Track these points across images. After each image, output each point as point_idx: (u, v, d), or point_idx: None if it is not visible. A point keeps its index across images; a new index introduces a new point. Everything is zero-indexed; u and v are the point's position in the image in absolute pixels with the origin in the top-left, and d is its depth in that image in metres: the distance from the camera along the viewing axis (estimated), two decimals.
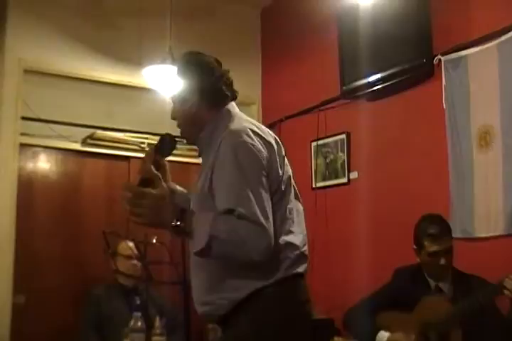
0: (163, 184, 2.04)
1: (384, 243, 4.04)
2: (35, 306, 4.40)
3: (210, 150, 2.17)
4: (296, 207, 2.27)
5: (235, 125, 2.17)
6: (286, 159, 2.26)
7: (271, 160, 2.13)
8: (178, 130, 2.35)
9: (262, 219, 1.98)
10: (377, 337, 3.05)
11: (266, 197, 2.05)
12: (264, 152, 2.10)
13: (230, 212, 1.98)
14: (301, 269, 2.14)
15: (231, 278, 2.08)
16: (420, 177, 3.93)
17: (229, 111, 2.28)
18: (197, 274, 2.20)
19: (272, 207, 2.07)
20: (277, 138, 2.26)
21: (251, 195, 2.00)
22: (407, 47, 3.93)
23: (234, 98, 2.35)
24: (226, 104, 2.30)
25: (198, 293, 2.20)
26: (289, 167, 2.29)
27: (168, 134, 2.30)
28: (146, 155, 2.26)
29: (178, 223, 1.99)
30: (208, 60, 2.32)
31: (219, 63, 2.35)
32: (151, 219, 2.00)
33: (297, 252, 2.13)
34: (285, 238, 2.10)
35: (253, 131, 2.12)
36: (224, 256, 2.01)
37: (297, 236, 2.16)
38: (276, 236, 2.05)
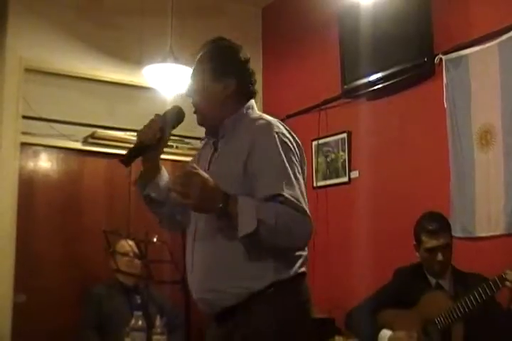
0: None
1: (385, 242, 4.04)
2: (35, 305, 4.40)
3: (238, 137, 2.18)
4: None
5: (268, 118, 2.22)
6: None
7: (301, 155, 2.21)
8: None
9: (304, 205, 2.03)
10: (379, 336, 3.06)
11: (304, 185, 2.11)
12: (296, 146, 2.19)
13: (273, 197, 2.00)
14: (305, 269, 2.19)
15: (249, 266, 2.06)
16: (421, 176, 3.93)
17: (253, 106, 2.32)
18: (208, 260, 2.14)
19: None
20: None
21: (294, 182, 2.04)
22: (408, 46, 3.93)
23: (254, 96, 2.36)
24: (250, 99, 2.31)
25: (206, 279, 2.14)
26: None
27: (178, 106, 2.31)
28: (152, 121, 2.26)
29: (222, 206, 1.98)
30: (246, 54, 2.35)
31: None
32: (200, 201, 1.96)
33: (307, 253, 2.18)
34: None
35: (285, 127, 2.22)
36: (271, 241, 2.01)
37: None
38: None
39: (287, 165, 2.07)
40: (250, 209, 1.97)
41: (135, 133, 5.10)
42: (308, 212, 2.04)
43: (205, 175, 1.99)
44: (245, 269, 2.07)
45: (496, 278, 2.71)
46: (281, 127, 2.18)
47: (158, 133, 2.23)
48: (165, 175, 2.39)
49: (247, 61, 2.32)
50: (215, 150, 2.27)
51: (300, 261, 2.14)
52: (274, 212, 1.97)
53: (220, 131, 2.25)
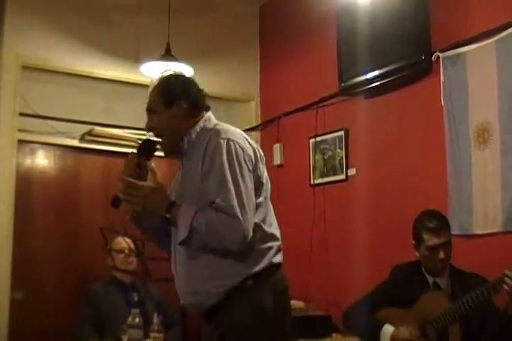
0: (153, 180, 2.30)
1: (382, 239, 4.04)
2: (33, 302, 4.41)
3: (195, 150, 2.38)
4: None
5: (221, 126, 2.42)
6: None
7: (255, 159, 2.35)
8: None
9: (238, 211, 2.17)
10: (381, 331, 3.06)
11: (247, 189, 2.25)
12: (249, 150, 2.33)
13: (211, 203, 2.19)
14: (281, 259, 2.37)
15: (223, 266, 2.25)
16: (418, 173, 3.93)
17: (210, 118, 2.50)
18: (186, 265, 2.34)
19: (257, 200, 2.30)
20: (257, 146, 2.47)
21: (231, 187, 2.20)
22: (406, 44, 3.92)
23: (208, 109, 2.54)
24: (203, 112, 2.50)
25: (188, 283, 2.34)
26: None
27: (148, 139, 2.46)
28: (128, 160, 2.42)
29: (167, 215, 2.24)
30: (187, 78, 2.55)
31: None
32: (142, 208, 2.32)
33: (278, 243, 2.37)
34: (269, 229, 2.34)
35: (239, 133, 2.38)
36: (203, 246, 2.22)
37: (277, 230, 2.41)
38: (262, 227, 2.30)
39: (227, 169, 2.23)
40: (187, 217, 2.19)
41: (132, 131, 5.16)
42: (240, 217, 2.16)
43: (149, 185, 2.29)
44: (219, 269, 2.25)
45: (495, 281, 2.71)
46: (231, 133, 2.33)
47: (136, 169, 2.40)
48: None
49: (189, 81, 2.52)
50: (183, 167, 2.49)
51: (271, 253, 2.31)
52: (208, 218, 2.17)
53: (182, 149, 2.45)
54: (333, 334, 3.97)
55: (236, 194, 2.19)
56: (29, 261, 4.47)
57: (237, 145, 2.28)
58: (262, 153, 2.44)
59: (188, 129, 2.43)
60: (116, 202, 2.35)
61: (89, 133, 4.84)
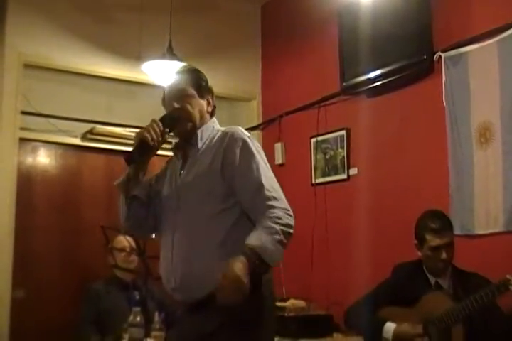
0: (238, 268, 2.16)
1: (384, 239, 4.04)
2: (34, 301, 4.41)
3: (206, 145, 2.47)
4: None
5: (235, 127, 2.50)
6: None
7: None
8: None
9: (282, 195, 2.36)
10: (384, 328, 3.06)
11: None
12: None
13: (262, 191, 2.29)
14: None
15: (227, 259, 2.21)
16: (420, 173, 3.93)
17: (216, 122, 2.60)
18: (185, 249, 2.36)
19: None
20: None
21: (276, 184, 2.37)
22: (408, 43, 3.92)
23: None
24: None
25: (186, 265, 2.34)
26: None
27: (174, 113, 2.47)
28: (154, 122, 2.41)
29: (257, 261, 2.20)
30: None
31: None
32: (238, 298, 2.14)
33: None
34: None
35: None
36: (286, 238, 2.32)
37: None
38: None
39: (263, 163, 2.38)
40: (269, 243, 2.22)
41: (134, 129, 5.16)
42: (284, 197, 2.36)
43: (236, 277, 2.13)
44: (223, 259, 2.22)
45: (500, 282, 2.71)
46: (246, 132, 2.47)
47: (160, 135, 2.40)
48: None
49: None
50: (185, 161, 2.51)
51: None
52: (272, 221, 2.26)
53: (192, 140, 2.50)
54: (335, 334, 3.97)
55: (278, 186, 2.37)
56: (30, 259, 4.47)
57: (257, 144, 2.45)
58: None
59: (204, 122, 2.52)
60: (133, 159, 2.38)
61: (91, 131, 4.84)
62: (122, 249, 4.19)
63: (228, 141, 2.40)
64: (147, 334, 3.59)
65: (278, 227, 2.24)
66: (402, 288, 3.12)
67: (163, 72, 4.49)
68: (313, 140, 4.75)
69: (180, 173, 2.49)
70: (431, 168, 3.86)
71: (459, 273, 3.10)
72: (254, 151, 2.38)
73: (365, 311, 3.16)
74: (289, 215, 2.31)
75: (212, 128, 2.53)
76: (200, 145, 2.48)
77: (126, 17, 4.92)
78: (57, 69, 4.70)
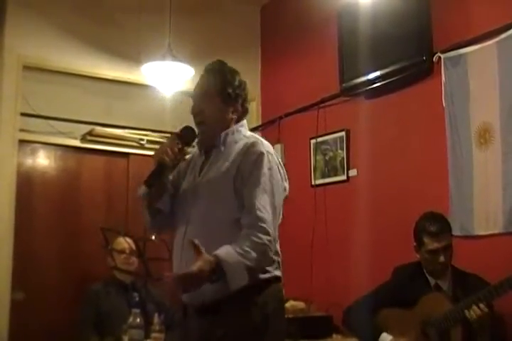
0: (205, 257, 2.15)
1: (383, 240, 4.04)
2: (33, 302, 4.40)
3: (226, 149, 2.42)
4: None
5: (259, 137, 2.48)
6: None
7: (284, 175, 2.45)
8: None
9: (271, 229, 2.26)
10: (379, 340, 3.07)
11: (280, 206, 2.38)
12: (281, 167, 2.44)
13: (252, 216, 2.24)
14: (281, 274, 2.41)
15: None
16: (420, 174, 3.93)
17: (245, 125, 2.55)
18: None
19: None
20: None
21: (270, 204, 2.29)
22: (407, 44, 3.92)
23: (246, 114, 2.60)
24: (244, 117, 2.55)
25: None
26: None
27: (190, 126, 2.45)
28: (171, 142, 2.40)
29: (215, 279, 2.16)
30: (239, 73, 2.54)
31: None
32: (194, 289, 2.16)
33: (280, 259, 2.41)
34: (277, 245, 2.38)
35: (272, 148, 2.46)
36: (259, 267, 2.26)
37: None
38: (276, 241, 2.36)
39: (267, 182, 2.31)
40: (236, 263, 2.16)
41: (133, 131, 5.16)
42: (272, 232, 2.27)
43: (198, 270, 2.11)
44: None
45: (498, 284, 2.71)
46: (270, 147, 2.42)
47: (178, 154, 2.39)
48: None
49: (245, 84, 2.53)
50: (207, 159, 2.48)
51: (275, 266, 2.36)
52: (257, 250, 2.20)
53: (216, 141, 2.45)
54: (334, 335, 3.97)
55: (272, 210, 2.29)
56: (30, 261, 4.47)
57: (276, 161, 2.39)
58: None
59: (227, 128, 2.46)
60: (153, 182, 2.36)
61: (90, 133, 4.84)
62: (122, 251, 4.19)
63: (246, 152, 2.36)
64: (147, 336, 3.59)
65: (254, 255, 2.18)
66: (402, 290, 3.12)
67: (163, 74, 4.49)
68: (313, 141, 4.75)
69: (200, 172, 2.47)
70: (430, 169, 3.86)
71: (458, 274, 3.10)
72: (265, 168, 2.32)
73: (364, 312, 3.17)
74: (270, 242, 2.25)
75: (238, 132, 2.48)
76: (222, 148, 2.44)
77: (125, 19, 4.92)
78: (56, 70, 4.70)
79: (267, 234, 2.23)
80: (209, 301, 2.26)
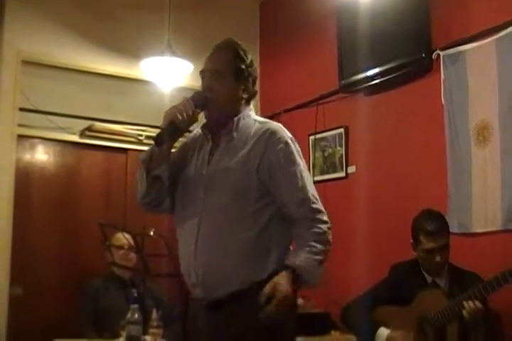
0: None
1: (382, 237, 4.05)
2: (32, 298, 4.40)
3: (239, 136, 2.31)
4: None
5: (272, 122, 2.38)
6: None
7: None
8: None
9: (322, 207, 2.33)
10: (377, 334, 3.07)
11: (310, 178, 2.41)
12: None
13: (308, 203, 2.27)
14: None
15: (256, 256, 2.21)
16: (418, 171, 3.93)
17: (252, 108, 2.45)
18: (213, 244, 2.23)
19: None
20: None
21: (317, 196, 2.35)
22: (406, 41, 3.93)
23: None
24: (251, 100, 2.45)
25: (212, 262, 2.23)
26: None
27: (205, 92, 2.34)
28: (185, 103, 2.30)
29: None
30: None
31: None
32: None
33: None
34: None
35: None
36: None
37: None
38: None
39: (305, 171, 2.31)
40: (310, 265, 2.21)
41: (132, 127, 5.15)
42: (325, 216, 2.33)
43: (283, 290, 2.13)
44: (252, 258, 2.20)
45: (492, 279, 2.72)
46: (287, 131, 2.35)
47: (191, 116, 2.28)
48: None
49: (254, 64, 2.46)
50: (216, 145, 2.35)
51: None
52: (321, 241, 2.23)
53: (227, 127, 2.33)
54: (332, 332, 3.97)
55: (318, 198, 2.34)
56: (28, 256, 4.46)
57: (298, 147, 2.35)
58: None
59: (237, 112, 2.35)
60: (162, 140, 2.27)
61: (89, 128, 4.84)
62: (120, 247, 4.18)
63: (269, 140, 2.26)
64: (145, 332, 3.59)
65: (320, 247, 2.21)
66: (399, 287, 3.13)
67: (162, 69, 4.49)
68: (312, 138, 4.76)
69: (209, 160, 2.33)
70: (429, 166, 3.87)
71: (455, 271, 3.10)
72: (297, 157, 2.29)
73: (362, 310, 3.17)
74: (329, 229, 2.29)
75: (249, 117, 2.38)
76: (235, 135, 2.32)
77: (124, 14, 4.91)
78: (55, 66, 4.69)
79: (326, 222, 2.27)
80: (222, 296, 2.20)
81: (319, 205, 2.30)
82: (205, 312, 2.28)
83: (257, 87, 2.51)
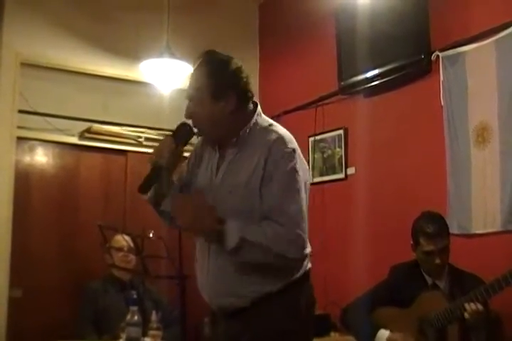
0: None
1: (381, 238, 4.05)
2: (31, 300, 4.40)
3: (246, 148, 2.21)
4: None
5: (280, 129, 2.27)
6: None
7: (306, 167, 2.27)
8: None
9: (301, 228, 2.10)
10: (377, 336, 3.07)
11: (306, 205, 2.18)
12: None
13: (274, 215, 2.09)
14: (310, 264, 2.29)
15: (265, 272, 2.14)
16: (418, 173, 3.93)
17: (261, 112, 2.32)
18: (223, 267, 2.19)
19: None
20: None
21: (297, 202, 2.11)
22: (405, 43, 3.93)
23: (255, 101, 2.34)
24: (250, 103, 2.30)
25: (224, 286, 2.20)
26: None
27: (186, 123, 2.26)
28: (163, 142, 2.24)
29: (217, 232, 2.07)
30: (237, 63, 2.29)
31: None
32: (191, 225, 2.08)
33: (310, 249, 2.23)
34: (306, 236, 2.19)
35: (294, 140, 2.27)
36: (256, 260, 2.11)
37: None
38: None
39: (292, 182, 2.13)
40: (236, 228, 2.06)
41: (131, 128, 5.15)
42: (303, 232, 2.11)
43: (202, 200, 2.09)
44: (262, 275, 2.15)
45: (494, 282, 2.71)
46: (294, 142, 2.23)
47: (174, 155, 2.21)
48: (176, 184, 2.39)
49: (240, 69, 2.27)
50: (222, 156, 2.28)
51: (307, 261, 2.24)
52: (263, 232, 2.06)
53: (231, 141, 2.24)
54: (332, 333, 3.98)
55: (301, 210, 2.13)
56: (28, 258, 4.46)
57: (301, 158, 2.21)
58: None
59: (238, 124, 2.22)
60: (147, 187, 2.19)
61: (88, 130, 4.83)
62: (120, 249, 4.18)
63: (272, 153, 2.14)
64: (144, 334, 3.59)
65: (272, 241, 2.06)
66: (399, 289, 3.13)
67: (161, 71, 4.49)
68: (311, 139, 4.76)
69: (216, 173, 2.26)
70: (429, 167, 3.87)
71: (456, 273, 3.10)
72: (292, 168, 2.13)
73: (362, 312, 3.17)
74: (303, 251, 2.12)
75: (255, 125, 2.25)
76: (240, 147, 2.22)
77: (123, 15, 4.91)
78: (54, 68, 4.69)
79: (303, 247, 2.12)
80: (235, 309, 2.19)
81: (301, 225, 2.12)
82: (221, 322, 2.29)
83: (256, 86, 2.41)
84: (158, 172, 2.20)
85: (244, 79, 2.26)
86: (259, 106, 2.32)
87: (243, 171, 2.17)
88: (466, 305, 2.75)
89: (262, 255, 2.08)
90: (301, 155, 2.23)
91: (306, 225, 2.14)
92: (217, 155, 2.29)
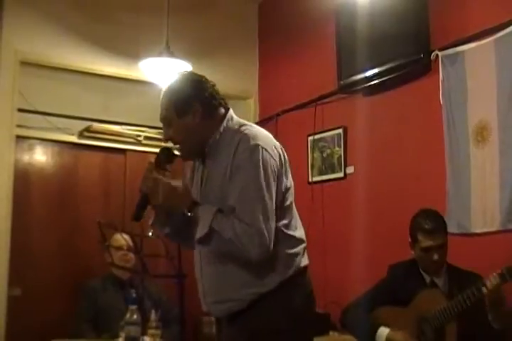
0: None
1: (380, 238, 4.05)
2: (30, 298, 4.41)
3: (220, 152, 2.29)
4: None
5: (249, 129, 2.31)
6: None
7: (281, 165, 2.31)
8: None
9: (263, 224, 2.13)
10: (377, 333, 3.06)
11: (271, 200, 2.21)
12: (277, 156, 2.28)
13: (233, 210, 2.16)
14: (307, 262, 2.36)
15: (255, 274, 2.21)
16: (417, 172, 3.93)
17: (232, 116, 2.39)
18: (215, 272, 2.28)
19: (284, 205, 2.31)
20: (282, 147, 2.40)
21: (258, 198, 2.16)
22: (405, 42, 3.92)
23: (226, 107, 2.41)
24: (220, 110, 2.37)
25: (218, 291, 2.28)
26: None
27: (166, 148, 2.38)
28: (146, 170, 2.33)
29: (189, 213, 2.18)
30: (196, 75, 2.41)
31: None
32: (163, 204, 2.24)
33: (304, 245, 2.34)
34: (294, 233, 2.31)
35: (267, 137, 2.33)
36: (220, 250, 2.21)
37: (302, 231, 2.39)
38: (288, 232, 2.27)
39: (254, 177, 2.17)
40: (208, 217, 2.15)
41: (131, 127, 5.16)
42: (264, 228, 2.13)
43: (174, 183, 2.23)
44: (252, 277, 2.21)
45: (491, 278, 2.71)
46: (260, 138, 2.26)
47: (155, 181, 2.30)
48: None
49: (200, 81, 2.37)
50: (206, 167, 2.39)
51: (299, 257, 2.29)
52: (230, 226, 2.12)
53: (206, 150, 2.35)
54: (331, 332, 3.98)
55: (262, 205, 2.15)
56: (27, 257, 4.47)
57: (265, 153, 2.22)
58: (287, 157, 2.39)
59: (209, 132, 2.32)
60: (138, 215, 2.31)
61: (88, 129, 4.84)
62: (120, 248, 4.18)
63: (237, 152, 2.22)
64: (144, 333, 3.59)
65: (231, 231, 2.12)
66: (398, 288, 3.12)
67: (161, 70, 4.49)
68: (310, 138, 4.76)
69: (202, 183, 2.38)
70: (428, 166, 3.87)
71: (454, 271, 3.10)
72: (266, 166, 2.20)
73: (362, 312, 3.17)
74: (261, 248, 2.13)
75: (225, 131, 2.33)
76: (214, 155, 2.32)
77: (123, 15, 4.91)
78: (54, 66, 4.69)
79: (261, 245, 2.14)
80: (239, 309, 2.24)
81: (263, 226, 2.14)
82: (225, 327, 2.36)
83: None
84: (146, 200, 2.31)
85: (209, 89, 2.35)
86: (230, 111, 2.40)
87: (217, 176, 2.28)
88: (486, 281, 2.70)
89: (226, 248, 2.16)
90: (274, 151, 2.27)
91: (271, 223, 2.17)
92: (201, 166, 2.41)
